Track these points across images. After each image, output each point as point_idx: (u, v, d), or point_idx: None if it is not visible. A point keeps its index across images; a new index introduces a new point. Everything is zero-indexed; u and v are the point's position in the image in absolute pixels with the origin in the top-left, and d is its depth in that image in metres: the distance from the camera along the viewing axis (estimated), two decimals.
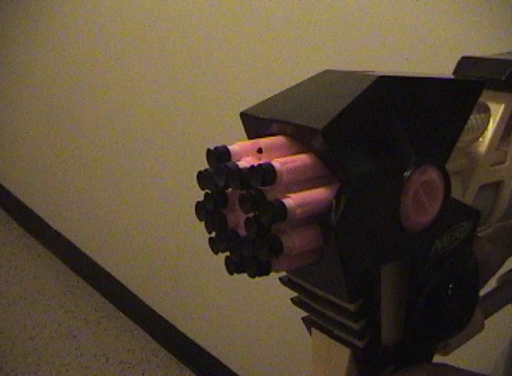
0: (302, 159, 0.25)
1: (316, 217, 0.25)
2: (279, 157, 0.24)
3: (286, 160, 0.24)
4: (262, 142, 0.25)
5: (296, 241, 0.24)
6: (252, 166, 0.24)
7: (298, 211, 0.23)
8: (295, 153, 0.25)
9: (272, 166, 0.24)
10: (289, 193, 0.24)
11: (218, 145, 0.26)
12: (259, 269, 0.25)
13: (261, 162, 0.24)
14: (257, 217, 0.24)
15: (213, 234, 0.27)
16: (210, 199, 0.26)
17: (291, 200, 0.23)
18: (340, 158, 0.24)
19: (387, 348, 0.29)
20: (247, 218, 0.24)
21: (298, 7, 1.13)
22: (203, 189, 0.26)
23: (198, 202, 0.27)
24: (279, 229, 0.24)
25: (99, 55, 1.71)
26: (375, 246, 0.26)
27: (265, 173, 0.23)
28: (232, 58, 1.30)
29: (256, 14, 1.22)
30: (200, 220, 0.27)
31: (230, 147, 0.26)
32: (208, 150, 0.26)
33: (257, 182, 0.24)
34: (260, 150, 0.25)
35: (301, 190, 0.24)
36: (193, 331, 1.69)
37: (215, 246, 0.27)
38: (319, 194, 0.24)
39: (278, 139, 0.26)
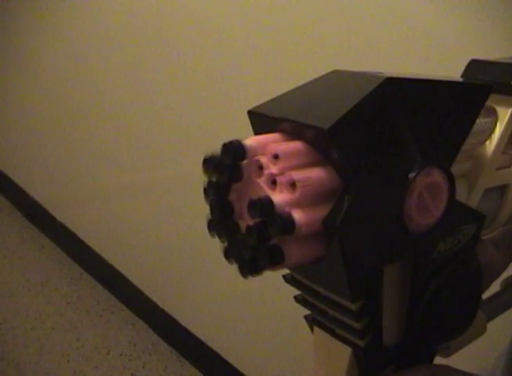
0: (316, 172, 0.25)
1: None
2: (293, 168, 0.25)
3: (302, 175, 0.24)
4: (279, 149, 0.25)
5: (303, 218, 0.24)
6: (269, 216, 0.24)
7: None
8: (310, 164, 0.25)
9: (290, 216, 0.24)
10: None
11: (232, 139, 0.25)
12: (271, 259, 0.25)
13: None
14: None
15: (218, 237, 0.27)
16: (216, 207, 0.26)
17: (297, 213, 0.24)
18: (345, 158, 0.24)
19: (388, 348, 0.29)
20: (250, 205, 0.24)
21: (306, 5, 1.13)
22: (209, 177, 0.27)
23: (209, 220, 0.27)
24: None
25: (106, 46, 1.71)
26: (378, 246, 0.26)
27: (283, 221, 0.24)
28: (241, 56, 1.30)
29: (265, 12, 1.22)
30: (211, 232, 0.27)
31: (247, 143, 0.25)
32: (224, 145, 0.26)
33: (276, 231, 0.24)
34: (276, 156, 0.25)
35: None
36: (195, 325, 1.69)
37: (228, 251, 0.27)
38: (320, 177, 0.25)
39: (295, 145, 0.26)
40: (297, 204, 0.24)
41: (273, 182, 0.25)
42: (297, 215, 0.24)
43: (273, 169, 0.24)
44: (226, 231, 0.26)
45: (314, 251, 0.25)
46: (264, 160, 0.25)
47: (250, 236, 0.24)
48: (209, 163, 0.26)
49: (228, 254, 0.26)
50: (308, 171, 0.24)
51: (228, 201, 0.26)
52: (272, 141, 0.26)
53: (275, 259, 0.24)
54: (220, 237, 0.27)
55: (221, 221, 0.26)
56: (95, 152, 1.88)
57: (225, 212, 0.26)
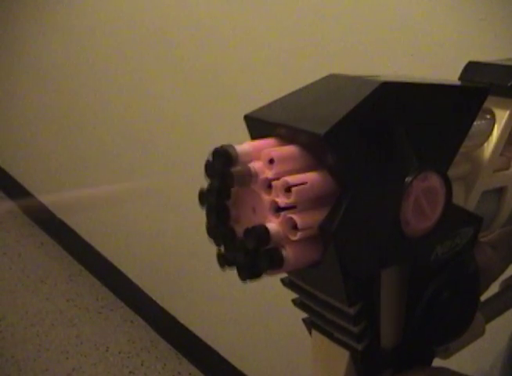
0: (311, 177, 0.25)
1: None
2: (289, 172, 0.25)
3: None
4: (274, 153, 0.25)
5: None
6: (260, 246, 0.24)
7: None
8: (305, 168, 0.25)
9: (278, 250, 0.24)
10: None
11: (219, 146, 0.25)
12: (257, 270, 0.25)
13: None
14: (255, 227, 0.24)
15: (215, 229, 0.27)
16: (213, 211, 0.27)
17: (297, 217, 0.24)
18: (341, 163, 0.24)
19: (385, 351, 0.29)
20: (247, 229, 0.25)
21: (306, 6, 1.13)
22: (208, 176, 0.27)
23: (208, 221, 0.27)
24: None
25: (107, 42, 1.70)
26: (375, 251, 0.26)
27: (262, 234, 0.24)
28: (238, 60, 1.30)
29: (263, 16, 1.22)
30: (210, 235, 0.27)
31: (239, 148, 0.25)
32: (215, 151, 0.26)
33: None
34: (271, 161, 0.25)
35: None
36: (193, 323, 1.70)
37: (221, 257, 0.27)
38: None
39: (289, 150, 0.26)
40: (293, 241, 0.24)
41: (269, 187, 0.25)
42: (287, 252, 0.24)
43: (268, 174, 0.25)
44: (222, 237, 0.26)
45: (306, 260, 0.25)
46: (258, 165, 0.25)
47: (238, 254, 0.25)
48: (206, 167, 0.26)
49: (222, 260, 0.27)
50: (304, 176, 0.24)
51: (225, 206, 0.26)
52: (267, 146, 0.26)
53: (256, 274, 0.25)
54: (217, 244, 0.27)
55: (217, 226, 0.26)
56: (96, 150, 1.88)
57: (221, 218, 0.26)
